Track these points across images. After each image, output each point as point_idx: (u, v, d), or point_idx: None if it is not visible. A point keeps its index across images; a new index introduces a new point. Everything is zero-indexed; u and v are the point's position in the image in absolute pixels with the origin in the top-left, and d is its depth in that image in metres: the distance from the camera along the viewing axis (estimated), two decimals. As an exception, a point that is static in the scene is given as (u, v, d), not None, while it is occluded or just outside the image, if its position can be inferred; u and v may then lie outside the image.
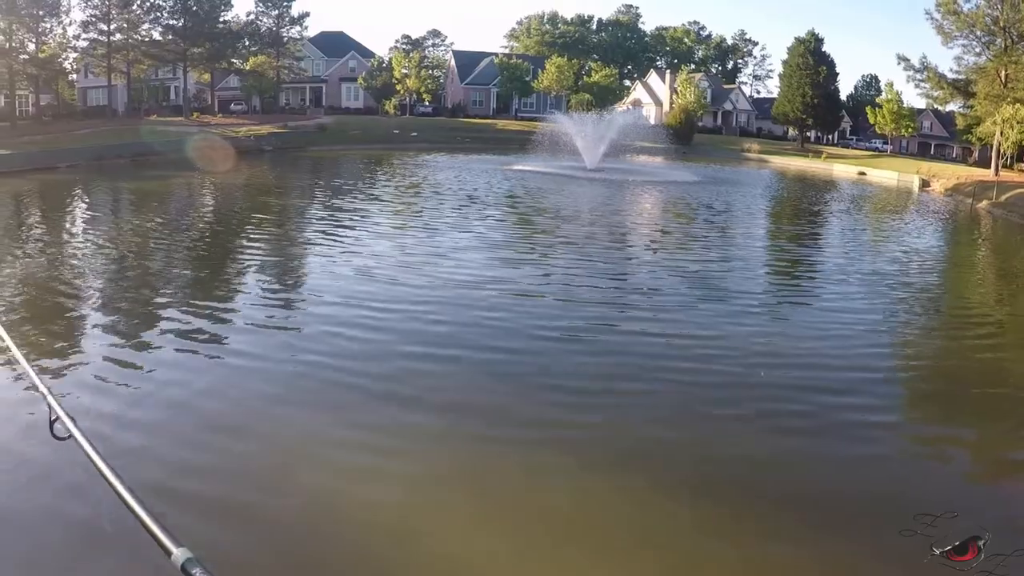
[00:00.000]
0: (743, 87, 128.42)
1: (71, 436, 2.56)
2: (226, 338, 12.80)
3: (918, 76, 68.21)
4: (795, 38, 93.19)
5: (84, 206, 31.51)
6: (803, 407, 10.84)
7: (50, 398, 2.67)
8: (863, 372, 12.63)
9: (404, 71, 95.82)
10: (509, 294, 16.30)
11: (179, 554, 1.51)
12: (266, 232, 24.79)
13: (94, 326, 13.43)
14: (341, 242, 22.15)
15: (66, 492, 7.26)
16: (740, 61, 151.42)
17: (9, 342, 4.05)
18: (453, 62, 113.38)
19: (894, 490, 8.43)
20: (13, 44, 64.43)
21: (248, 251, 21.59)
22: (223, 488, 8.10)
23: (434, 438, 9.31)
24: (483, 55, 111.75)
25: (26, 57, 65.77)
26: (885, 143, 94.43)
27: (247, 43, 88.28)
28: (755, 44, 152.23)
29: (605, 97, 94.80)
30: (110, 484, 1.88)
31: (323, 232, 23.98)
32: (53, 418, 2.67)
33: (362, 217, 27.50)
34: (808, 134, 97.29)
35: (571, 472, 8.55)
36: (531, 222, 29.03)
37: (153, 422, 9.47)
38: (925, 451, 9.90)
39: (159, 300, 15.42)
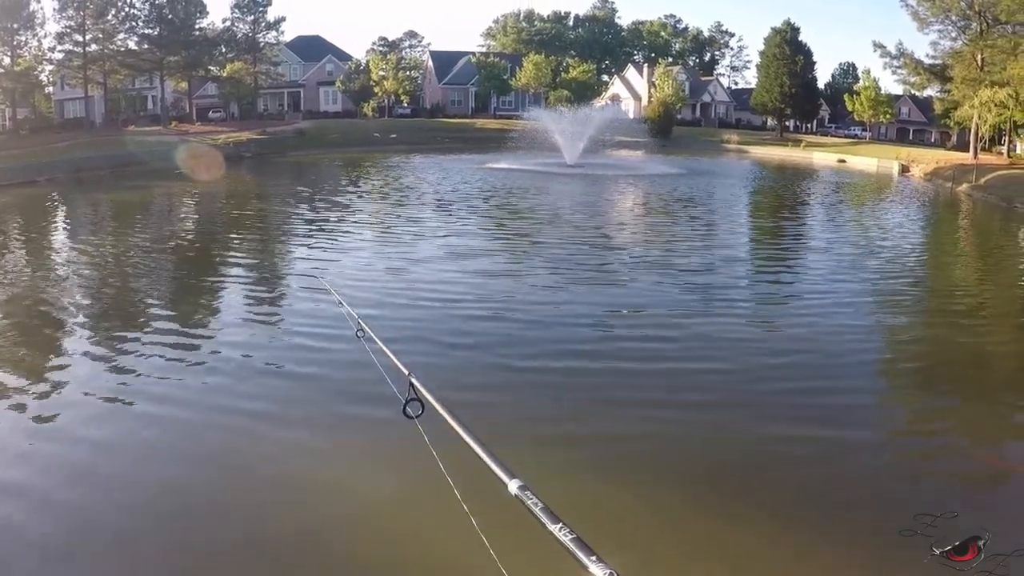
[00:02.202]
0: (721, 79, 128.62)
1: (421, 415, 2.87)
2: (200, 359, 12.68)
3: (895, 62, 68.47)
4: (771, 28, 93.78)
5: (62, 221, 31.34)
6: (800, 407, 10.84)
7: (413, 379, 2.91)
8: (858, 368, 12.64)
9: (382, 73, 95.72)
10: (484, 313, 15.16)
11: (512, 484, 1.79)
12: (240, 248, 24.11)
13: (72, 346, 13.25)
14: (315, 257, 21.36)
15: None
16: (717, 53, 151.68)
17: (365, 327, 4.52)
18: (430, 62, 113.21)
19: (893, 490, 8.43)
20: (-12, 58, 64.11)
21: (221, 270, 20.73)
22: (214, 500, 8.06)
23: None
24: (460, 55, 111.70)
25: (1, 71, 65.33)
26: (864, 130, 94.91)
27: (223, 50, 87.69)
28: (732, 35, 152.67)
29: (583, 93, 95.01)
30: (463, 437, 2.22)
31: (299, 245, 23.70)
32: (409, 398, 2.92)
33: (335, 228, 26.66)
34: (787, 123, 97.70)
35: (562, 487, 8.51)
36: (511, 226, 28.14)
37: (137, 441, 9.40)
38: (924, 449, 9.89)
39: (136, 319, 15.27)
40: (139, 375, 11.49)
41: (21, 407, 10.27)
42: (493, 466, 1.94)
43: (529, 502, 1.69)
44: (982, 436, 10.28)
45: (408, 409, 2.87)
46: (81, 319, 15.18)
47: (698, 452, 9.34)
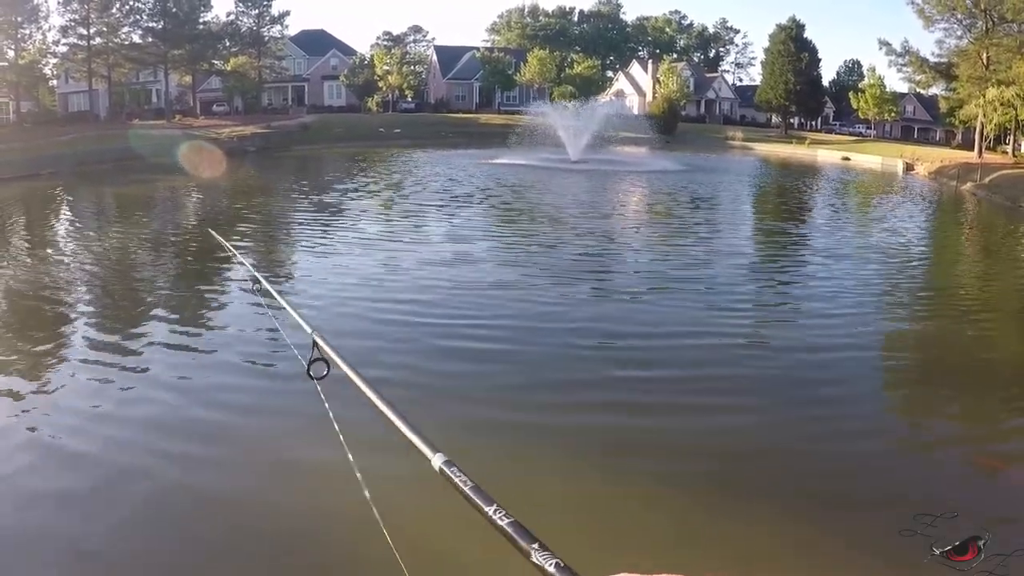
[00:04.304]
0: (725, 75, 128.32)
1: (326, 376, 2.73)
2: (205, 351, 12.68)
3: (900, 60, 68.30)
4: (776, 25, 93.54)
5: (65, 214, 31.28)
6: (801, 406, 10.81)
7: (316, 338, 2.77)
8: (860, 369, 12.60)
9: (386, 68, 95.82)
10: (481, 332, 13.59)
11: (436, 459, 1.66)
12: (240, 248, 23.70)
13: (73, 337, 13.28)
14: (314, 255, 20.87)
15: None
16: (722, 49, 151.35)
17: (263, 281, 4.27)
18: (435, 57, 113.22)
19: (894, 490, 8.39)
20: (-8, 52, 64.17)
21: (222, 267, 19.72)
22: (218, 492, 8.04)
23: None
24: (465, 49, 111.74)
25: (5, 64, 65.35)
26: (868, 128, 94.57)
27: (228, 44, 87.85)
28: (737, 32, 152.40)
29: (588, 89, 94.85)
30: (375, 405, 2.06)
31: (297, 245, 23.24)
32: (312, 359, 2.76)
33: (333, 228, 25.69)
34: (791, 120, 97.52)
35: (571, 473, 8.48)
36: (510, 226, 27.14)
37: (140, 426, 9.38)
38: (925, 449, 9.86)
39: (136, 312, 15.24)
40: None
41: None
42: (413, 438, 1.78)
43: (457, 480, 1.53)
44: (984, 437, 10.24)
45: (312, 370, 2.75)
46: (73, 315, 15.18)
47: (698, 450, 9.31)
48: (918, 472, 9.03)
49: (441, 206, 31.19)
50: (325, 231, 25.08)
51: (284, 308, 3.48)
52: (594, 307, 16.06)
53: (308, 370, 2.77)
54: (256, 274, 4.32)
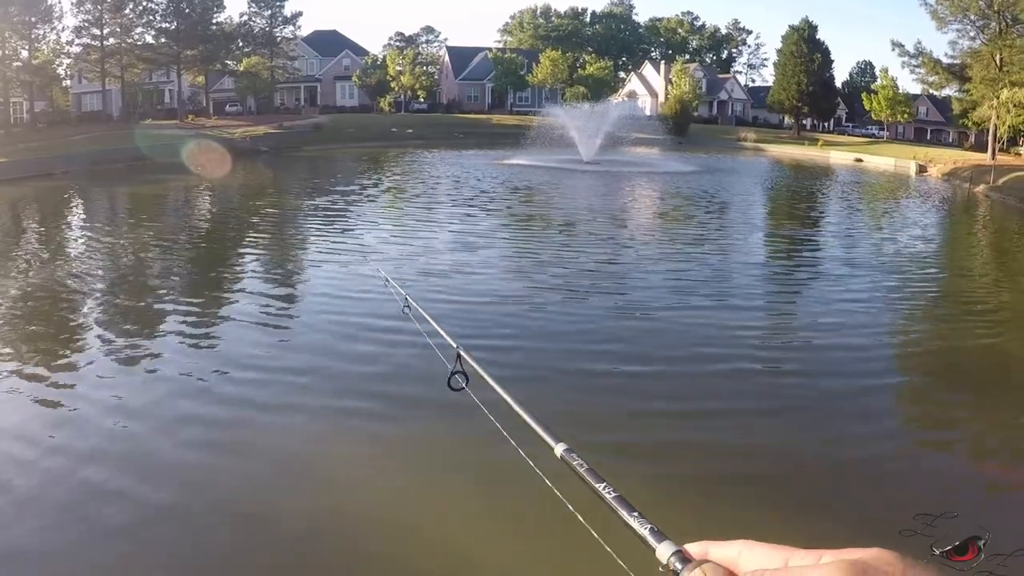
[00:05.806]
0: (738, 76, 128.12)
1: (464, 388, 2.86)
2: (221, 348, 12.74)
3: (913, 62, 68.09)
4: (789, 26, 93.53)
5: (79, 214, 31.45)
6: (802, 405, 10.79)
7: (461, 351, 2.88)
8: (863, 371, 12.51)
9: (398, 68, 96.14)
10: (491, 342, 12.62)
11: (559, 448, 1.84)
12: (249, 249, 24.08)
13: (89, 337, 13.34)
14: (312, 258, 20.83)
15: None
16: (734, 50, 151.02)
17: (412, 302, 4.39)
18: (447, 58, 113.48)
19: (894, 490, 8.39)
20: (6, 51, 64.50)
21: (234, 267, 20.56)
22: (226, 491, 8.07)
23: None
24: (477, 50, 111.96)
25: (19, 64, 65.80)
26: (881, 129, 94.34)
27: (240, 44, 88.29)
28: (749, 33, 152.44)
29: (600, 90, 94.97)
30: (502, 396, 2.28)
31: (301, 246, 23.25)
32: (454, 370, 2.91)
33: (332, 231, 25.10)
34: (804, 122, 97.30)
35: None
36: (523, 229, 26.63)
37: (150, 429, 9.42)
38: (925, 449, 9.84)
39: (154, 311, 15.32)
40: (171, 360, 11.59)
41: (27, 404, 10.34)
42: (540, 431, 2.01)
43: (575, 463, 1.76)
44: (985, 432, 10.23)
45: (452, 382, 2.92)
46: (95, 311, 15.28)
47: (700, 449, 9.31)
48: (919, 472, 8.98)
49: (449, 209, 30.84)
50: (323, 234, 24.73)
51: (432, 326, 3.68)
52: (603, 324, 14.73)
53: (449, 381, 2.91)
54: (408, 297, 4.46)
